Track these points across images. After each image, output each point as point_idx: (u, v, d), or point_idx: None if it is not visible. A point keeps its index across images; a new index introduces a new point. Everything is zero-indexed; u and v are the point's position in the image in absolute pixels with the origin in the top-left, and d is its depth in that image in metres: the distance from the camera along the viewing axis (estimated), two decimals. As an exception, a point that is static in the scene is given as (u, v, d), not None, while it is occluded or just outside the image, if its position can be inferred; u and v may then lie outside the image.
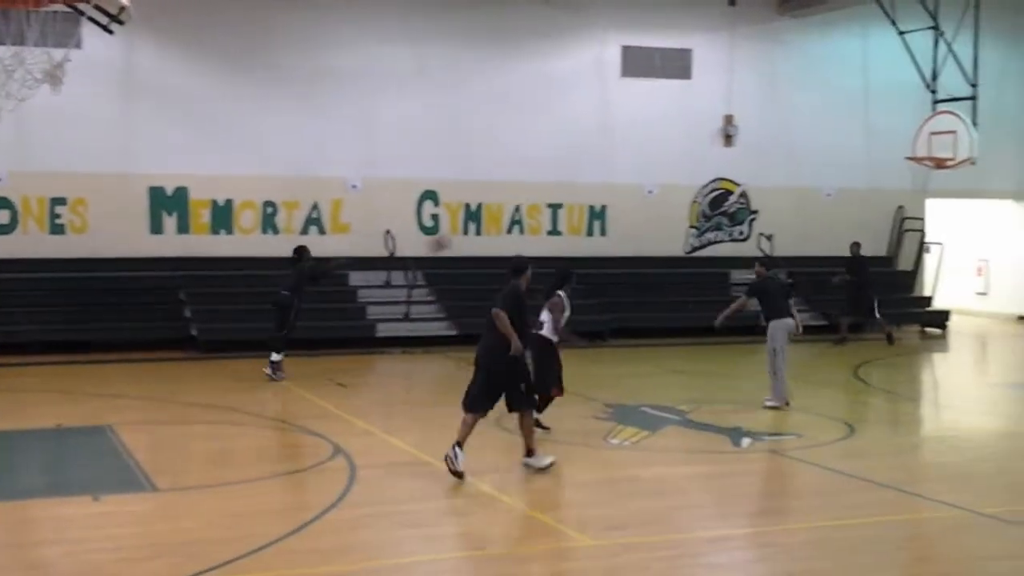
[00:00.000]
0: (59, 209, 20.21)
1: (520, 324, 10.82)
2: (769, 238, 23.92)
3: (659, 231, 23.82)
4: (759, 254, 23.36)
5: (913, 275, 25.28)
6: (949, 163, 19.34)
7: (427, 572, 8.19)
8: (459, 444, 10.47)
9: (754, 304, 14.95)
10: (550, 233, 23.15)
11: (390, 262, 21.29)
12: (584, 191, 23.31)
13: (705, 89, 23.94)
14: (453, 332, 20.79)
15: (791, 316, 14.44)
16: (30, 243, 19.98)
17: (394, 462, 11.44)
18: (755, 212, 24.59)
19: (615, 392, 15.64)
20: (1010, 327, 25.37)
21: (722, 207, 24.48)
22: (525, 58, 22.87)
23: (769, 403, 14.28)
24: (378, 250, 21.27)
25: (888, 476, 10.97)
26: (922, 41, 20.09)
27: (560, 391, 12.35)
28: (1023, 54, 26.22)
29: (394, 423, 13.69)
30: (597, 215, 23.51)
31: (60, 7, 14.40)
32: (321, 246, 21.37)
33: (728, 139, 24.21)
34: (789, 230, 24.17)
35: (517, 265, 11.19)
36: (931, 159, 19.54)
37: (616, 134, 23.44)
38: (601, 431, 12.84)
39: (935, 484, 10.95)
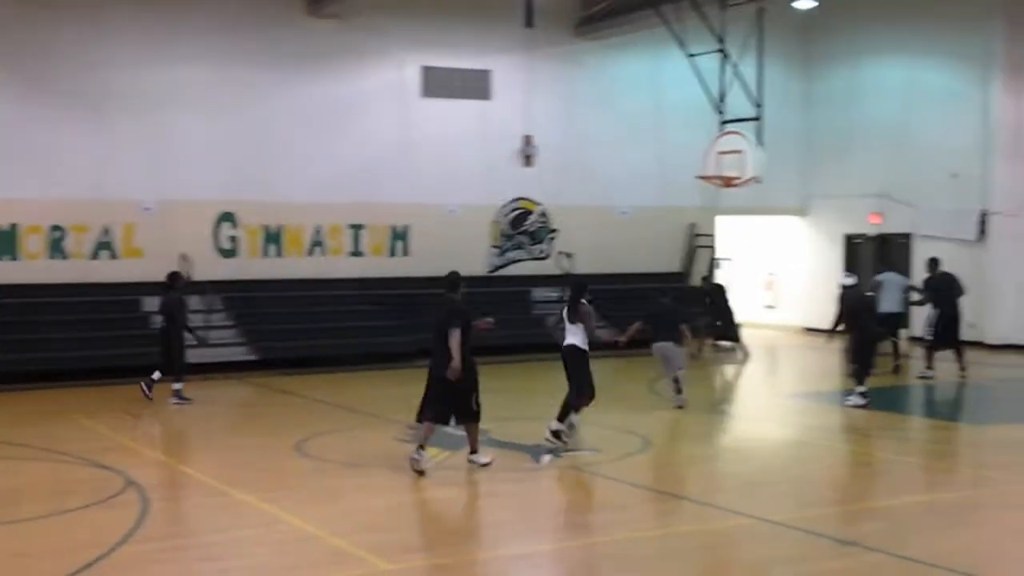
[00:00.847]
0: None
1: (467, 338, 11.83)
2: (569, 256, 24.35)
3: (461, 250, 23.92)
4: (560, 272, 23.81)
5: (703, 291, 26.08)
6: (736, 181, 20.06)
7: (223, 605, 7.99)
8: (421, 447, 11.52)
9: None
10: (352, 254, 23.02)
11: (187, 286, 20.73)
12: (386, 211, 23.27)
13: (505, 110, 24.26)
14: (253, 357, 20.42)
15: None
16: None
17: (190, 493, 11.15)
18: (555, 231, 25.02)
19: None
20: (797, 338, 26.48)
21: (523, 226, 24.81)
22: (324, 79, 22.71)
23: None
24: (174, 274, 20.74)
25: (682, 487, 11.30)
26: (710, 64, 20.84)
27: (592, 396, 13.14)
28: (804, 76, 27.54)
29: (191, 452, 13.35)
30: (399, 235, 23.51)
31: None
32: (113, 271, 20.78)
33: (528, 159, 24.57)
34: (588, 248, 24.67)
35: (454, 280, 12.20)
36: (720, 177, 20.25)
37: (417, 154, 23.50)
38: (403, 453, 12.77)
39: (727, 494, 11.32)
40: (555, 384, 16.97)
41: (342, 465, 12.49)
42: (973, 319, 19.32)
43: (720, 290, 23.14)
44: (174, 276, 17.18)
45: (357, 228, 23.10)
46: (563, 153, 24.82)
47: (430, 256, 23.51)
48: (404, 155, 23.38)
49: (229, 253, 21.88)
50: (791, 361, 23.78)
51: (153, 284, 19.58)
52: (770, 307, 28.56)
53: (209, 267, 21.07)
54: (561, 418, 12.97)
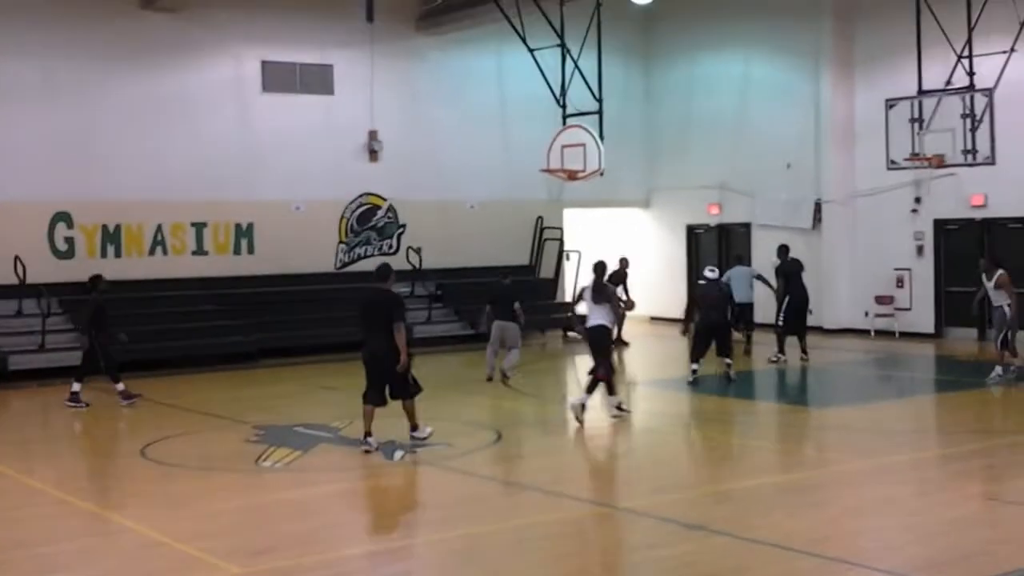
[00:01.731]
0: None
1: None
2: (418, 251, 24.28)
3: (308, 247, 23.70)
4: (409, 267, 23.75)
5: (554, 282, 26.39)
6: (580, 175, 20.26)
7: (65, 619, 7.74)
8: (369, 433, 12.41)
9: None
10: (195, 253, 22.52)
11: (21, 289, 20.04)
12: (229, 209, 22.84)
13: (348, 105, 24.06)
14: (94, 360, 19.80)
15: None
16: None
17: (29, 503, 10.75)
18: (403, 226, 24.94)
19: (266, 414, 15.38)
20: (644, 328, 26.95)
21: (371, 222, 24.66)
22: (160, 73, 22.15)
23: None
24: (7, 277, 19.99)
25: (534, 478, 11.39)
26: (552, 58, 21.02)
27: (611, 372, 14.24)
28: (644, 71, 28.06)
29: (30, 461, 12.88)
30: (244, 233, 23.10)
31: None
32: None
33: (373, 154, 24.43)
34: (436, 242, 24.66)
35: (385, 272, 12.86)
36: (564, 171, 20.42)
37: (260, 151, 23.13)
38: (252, 455, 12.58)
39: (578, 483, 11.48)
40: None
41: (189, 469, 12.22)
42: (811, 305, 20.03)
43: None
44: (96, 279, 16.71)
45: (200, 226, 22.61)
46: (409, 148, 24.75)
47: (276, 254, 23.22)
48: (246, 151, 22.99)
49: (65, 254, 21.20)
50: (638, 350, 24.18)
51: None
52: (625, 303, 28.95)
53: (44, 269, 20.42)
54: (612, 391, 14.25)
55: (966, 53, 19.48)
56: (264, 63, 23.17)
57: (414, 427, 12.85)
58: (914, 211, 23.18)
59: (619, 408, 14.39)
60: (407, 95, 24.93)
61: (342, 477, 11.71)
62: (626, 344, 23.02)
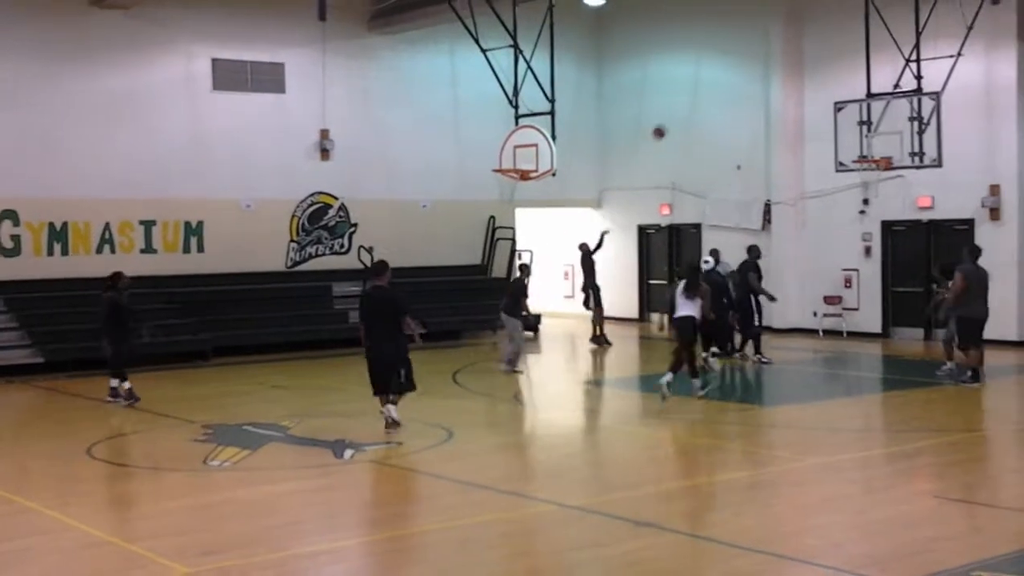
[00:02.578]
0: None
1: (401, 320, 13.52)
2: (370, 250, 24.19)
3: (259, 246, 23.56)
4: (360, 267, 23.67)
5: (506, 282, 26.34)
6: (532, 175, 20.29)
7: (8, 619, 7.64)
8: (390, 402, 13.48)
9: None
10: (144, 251, 22.31)
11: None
12: (179, 207, 22.65)
13: (300, 103, 23.94)
14: (40, 360, 19.60)
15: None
16: None
17: (-29, 503, 10.60)
18: (355, 225, 24.85)
19: (215, 413, 15.27)
20: (595, 327, 26.98)
21: (322, 220, 24.55)
22: (109, 70, 21.92)
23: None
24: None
25: (485, 477, 11.38)
26: (504, 59, 21.03)
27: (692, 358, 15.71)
28: (596, 72, 28.15)
29: (-28, 461, 12.70)
30: (193, 231, 22.91)
31: None
32: None
33: (325, 153, 24.32)
34: (389, 242, 24.56)
35: (382, 267, 13.82)
36: (516, 171, 20.44)
37: (210, 148, 22.96)
38: (200, 454, 12.48)
39: (527, 482, 11.50)
40: (353, 379, 16.86)
41: (136, 469, 12.12)
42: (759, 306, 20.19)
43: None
44: (116, 276, 16.45)
45: (148, 224, 22.40)
46: (361, 147, 24.67)
47: (226, 252, 23.06)
48: (196, 149, 22.81)
49: (11, 252, 20.94)
50: (588, 350, 24.24)
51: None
52: (568, 297, 29.05)
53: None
54: (695, 374, 15.64)
55: (914, 57, 19.70)
56: (215, 61, 23.00)
57: (394, 403, 13.63)
58: (862, 212, 23.43)
59: (702, 389, 15.66)
60: (359, 94, 24.84)
61: (291, 476, 11.64)
62: (610, 344, 22.97)
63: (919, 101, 19.59)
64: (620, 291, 27.67)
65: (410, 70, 25.50)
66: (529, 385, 19.75)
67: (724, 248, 21.90)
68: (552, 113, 20.69)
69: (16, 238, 21.03)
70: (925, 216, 22.52)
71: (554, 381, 20.37)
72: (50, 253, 21.30)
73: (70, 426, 14.76)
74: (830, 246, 23.86)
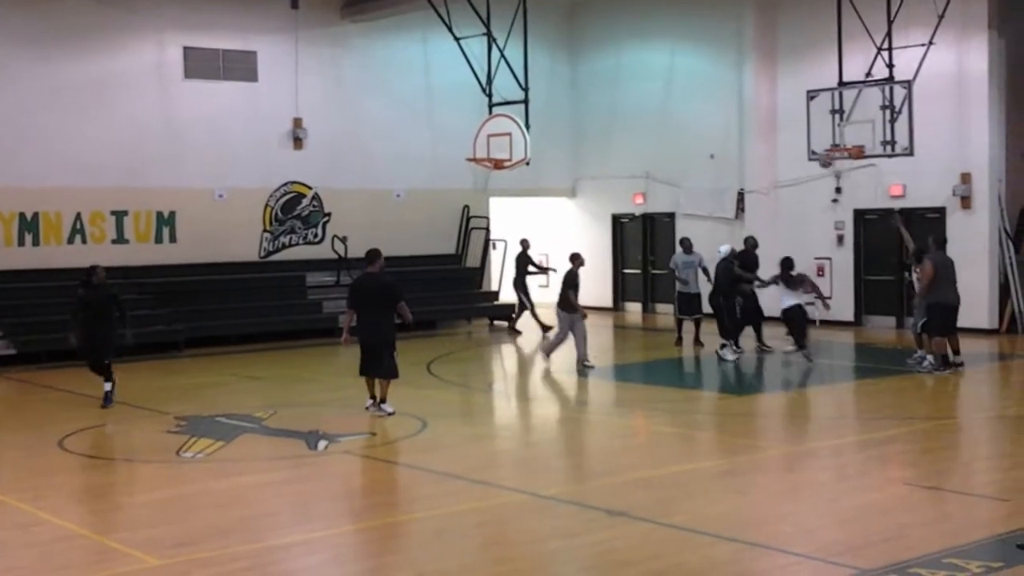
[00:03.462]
0: None
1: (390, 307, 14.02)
2: (344, 240, 24.13)
3: (232, 236, 23.44)
4: (335, 256, 23.62)
5: (480, 271, 26.38)
6: (506, 163, 20.27)
7: (-22, 613, 7.60)
8: (373, 397, 13.90)
9: None
10: (115, 241, 22.16)
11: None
12: (151, 197, 22.50)
13: (272, 92, 23.81)
14: (11, 351, 19.47)
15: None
16: None
17: (-59, 497, 10.52)
18: (328, 215, 24.76)
19: (189, 404, 15.22)
20: (570, 316, 27.00)
21: (295, 210, 24.45)
22: (79, 57, 21.74)
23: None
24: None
25: (458, 467, 11.38)
26: (478, 47, 20.98)
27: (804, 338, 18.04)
28: (569, 60, 28.12)
29: (-58, 454, 12.60)
30: (165, 221, 22.77)
31: None
32: None
33: (298, 142, 24.21)
34: (363, 231, 24.42)
35: (374, 255, 14.18)
36: (490, 160, 20.42)
37: (182, 137, 22.82)
38: (173, 445, 12.43)
39: (501, 471, 11.50)
40: (328, 370, 16.87)
41: (108, 460, 12.07)
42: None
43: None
44: (91, 271, 15.36)
45: (120, 214, 22.26)
46: (334, 136, 24.57)
47: (198, 242, 22.94)
48: (168, 138, 22.66)
49: (-18, 243, 20.77)
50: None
51: None
52: (543, 286, 29.04)
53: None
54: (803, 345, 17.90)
55: (886, 45, 19.77)
56: (186, 49, 22.85)
57: (383, 400, 13.95)
58: (835, 201, 23.52)
59: (806, 358, 17.82)
60: (332, 83, 24.73)
61: (264, 467, 11.61)
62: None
63: (891, 90, 19.65)
64: (594, 280, 27.68)
65: (383, 59, 25.41)
66: (503, 375, 19.78)
67: (696, 237, 21.93)
68: (526, 102, 20.67)
69: (-13, 228, 20.88)
70: (897, 204, 22.61)
71: (527, 370, 20.38)
72: (21, 243, 21.15)
73: (43, 418, 14.67)
74: (803, 235, 23.92)
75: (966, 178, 21.55)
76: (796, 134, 21.98)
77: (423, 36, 25.12)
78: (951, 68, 21.38)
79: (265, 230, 24.06)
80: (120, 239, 22.25)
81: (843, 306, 23.43)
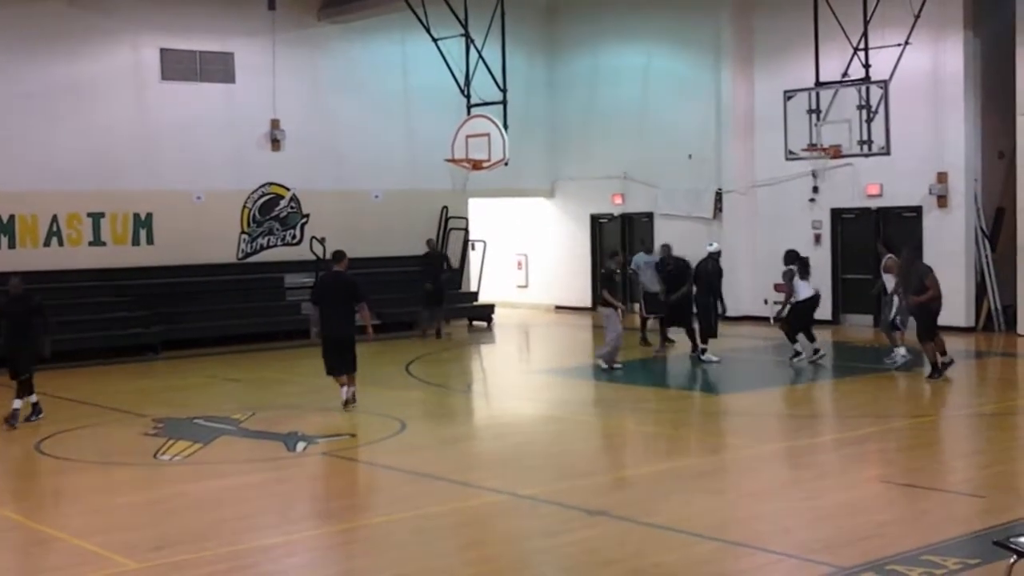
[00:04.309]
0: None
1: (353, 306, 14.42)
2: (322, 241, 24.06)
3: (210, 238, 23.36)
4: (313, 258, 23.57)
5: (460, 272, 26.37)
6: (485, 164, 20.25)
7: (-45, 618, 7.55)
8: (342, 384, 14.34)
9: None
10: (92, 244, 22.05)
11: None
12: (127, 199, 22.40)
13: (250, 93, 23.73)
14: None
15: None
16: None
17: (-84, 501, 10.45)
18: (307, 216, 24.70)
19: (166, 407, 15.16)
20: (548, 316, 27.10)
21: (273, 212, 24.39)
22: (55, 60, 21.62)
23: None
24: None
25: (438, 467, 11.38)
26: (456, 48, 20.96)
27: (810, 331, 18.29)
28: (547, 61, 28.13)
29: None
30: (143, 223, 22.67)
31: None
32: None
33: (276, 144, 24.14)
34: (341, 233, 24.36)
35: (340, 255, 14.63)
36: (468, 161, 20.40)
37: (159, 139, 22.72)
38: (150, 448, 12.39)
39: (480, 471, 11.49)
40: (306, 371, 16.82)
41: (85, 464, 12.01)
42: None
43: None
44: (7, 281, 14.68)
45: (97, 217, 22.14)
46: (312, 137, 24.52)
47: (176, 244, 22.85)
48: (145, 140, 22.56)
49: (-42, 246, 20.64)
50: (542, 339, 24.32)
51: None
52: (522, 286, 29.12)
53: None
54: (812, 339, 18.12)
55: (862, 46, 19.86)
56: (163, 51, 22.75)
57: (352, 396, 14.34)
58: (812, 200, 23.61)
59: (815, 353, 17.97)
60: (310, 84, 24.68)
61: (242, 470, 11.58)
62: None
63: (867, 90, 19.75)
64: (572, 280, 27.77)
65: (361, 60, 25.37)
66: (482, 375, 19.78)
67: (673, 238, 21.93)
68: (504, 103, 20.64)
69: (-37, 231, 20.75)
70: (874, 204, 22.73)
71: (507, 371, 20.40)
72: (-4, 246, 21.05)
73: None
74: (781, 234, 23.95)
75: (942, 177, 21.66)
76: (773, 134, 22.06)
77: (401, 37, 25.09)
78: (927, 68, 21.50)
79: (243, 232, 23.99)
80: (97, 241, 22.14)
81: (821, 305, 23.46)
